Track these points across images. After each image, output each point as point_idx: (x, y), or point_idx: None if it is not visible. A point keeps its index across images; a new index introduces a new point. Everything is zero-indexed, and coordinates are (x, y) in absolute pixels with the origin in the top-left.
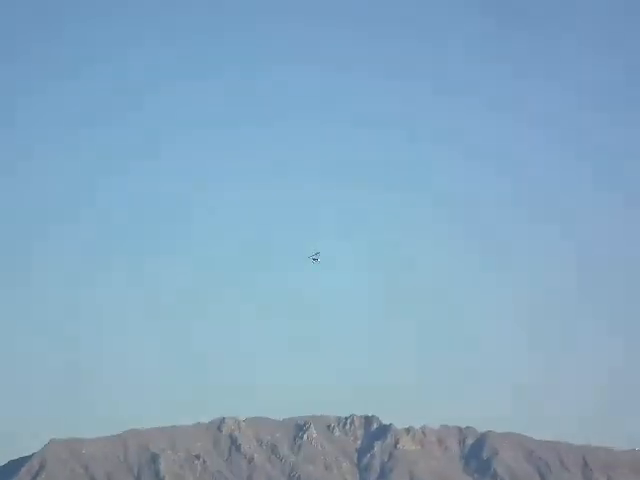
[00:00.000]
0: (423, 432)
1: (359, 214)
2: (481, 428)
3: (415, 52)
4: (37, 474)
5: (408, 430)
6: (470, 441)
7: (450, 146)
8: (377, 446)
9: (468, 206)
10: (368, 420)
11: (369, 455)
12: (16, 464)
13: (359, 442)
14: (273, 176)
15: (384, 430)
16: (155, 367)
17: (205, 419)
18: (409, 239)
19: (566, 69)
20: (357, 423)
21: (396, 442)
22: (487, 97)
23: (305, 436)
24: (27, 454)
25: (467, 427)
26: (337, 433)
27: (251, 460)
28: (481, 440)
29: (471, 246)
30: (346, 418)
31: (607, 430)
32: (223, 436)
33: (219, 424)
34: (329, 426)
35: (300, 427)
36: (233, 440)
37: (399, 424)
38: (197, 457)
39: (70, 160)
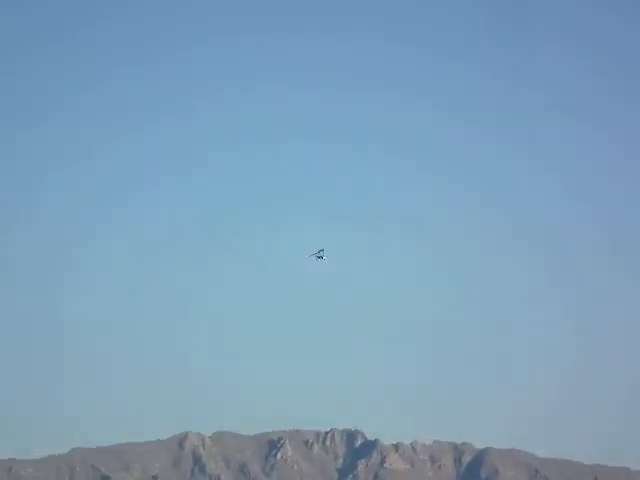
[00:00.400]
0: (414, 448)
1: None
2: (479, 444)
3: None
4: None
5: (396, 446)
6: (467, 459)
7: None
8: (361, 465)
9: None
10: (351, 435)
11: (352, 475)
12: None
13: (341, 460)
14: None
15: (369, 446)
16: (106, 376)
17: (164, 435)
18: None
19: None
20: (338, 439)
21: (383, 460)
22: None
23: (279, 454)
24: None
25: (463, 443)
26: (316, 450)
27: None
28: (479, 458)
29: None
30: (326, 433)
31: (622, 448)
32: (185, 454)
33: (180, 440)
34: (306, 442)
35: (273, 444)
36: (197, 459)
37: (386, 439)
38: (155, 478)
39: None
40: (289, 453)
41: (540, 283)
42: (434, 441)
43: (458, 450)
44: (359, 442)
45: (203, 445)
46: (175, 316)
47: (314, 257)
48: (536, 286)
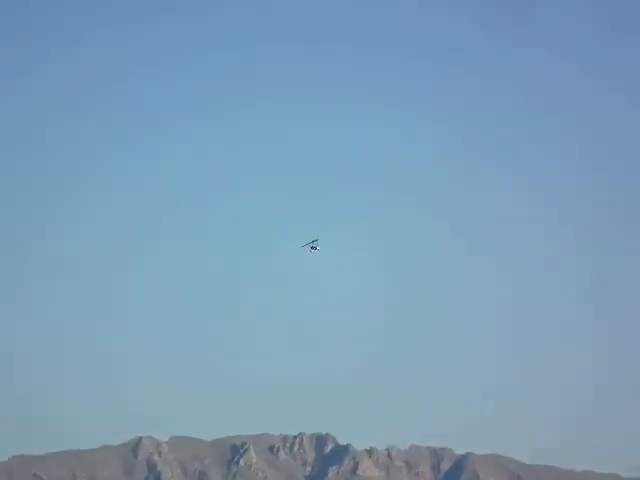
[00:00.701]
0: (388, 454)
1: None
2: (459, 449)
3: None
4: None
5: (370, 452)
6: (446, 465)
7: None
8: (332, 472)
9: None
10: (321, 440)
11: None
12: None
13: (309, 467)
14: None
15: (341, 452)
16: (50, 374)
17: (116, 440)
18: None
19: None
20: (307, 443)
21: (355, 466)
22: None
23: (242, 460)
24: None
25: (442, 448)
26: (282, 456)
27: None
28: (459, 463)
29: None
30: (294, 437)
31: (609, 454)
32: (139, 462)
33: (134, 446)
34: (272, 448)
35: (236, 449)
36: (151, 467)
37: (359, 444)
38: None
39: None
40: (253, 459)
41: (526, 285)
42: (410, 446)
43: (436, 455)
44: (330, 447)
45: (158, 451)
46: (128, 314)
47: (307, 248)
48: (522, 287)
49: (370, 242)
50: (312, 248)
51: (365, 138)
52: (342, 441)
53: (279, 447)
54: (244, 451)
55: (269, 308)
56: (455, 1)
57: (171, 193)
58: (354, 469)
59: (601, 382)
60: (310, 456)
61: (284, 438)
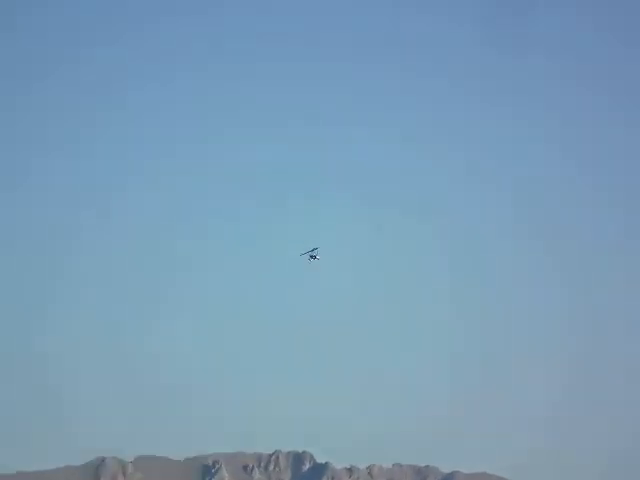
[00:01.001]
0: (370, 473)
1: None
2: (445, 467)
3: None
4: None
5: (350, 470)
6: None
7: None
8: None
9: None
10: (298, 458)
11: None
12: None
13: None
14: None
15: (319, 470)
16: (7, 390)
17: (78, 460)
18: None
19: None
20: (283, 462)
21: None
22: None
23: None
24: None
25: (427, 466)
26: (257, 476)
27: None
28: None
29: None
30: (269, 455)
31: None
32: None
33: (97, 466)
34: (246, 467)
35: (207, 469)
36: None
37: (338, 462)
38: None
39: None
40: (226, 479)
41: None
42: (393, 464)
43: (421, 474)
44: (307, 466)
45: (123, 472)
46: (93, 326)
47: (307, 256)
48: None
49: (370, 243)
50: (311, 257)
51: (365, 139)
52: (320, 459)
53: (253, 466)
54: (216, 471)
55: (255, 319)
56: (455, 3)
57: (172, 197)
58: None
59: (595, 398)
60: (286, 475)
61: (259, 457)
